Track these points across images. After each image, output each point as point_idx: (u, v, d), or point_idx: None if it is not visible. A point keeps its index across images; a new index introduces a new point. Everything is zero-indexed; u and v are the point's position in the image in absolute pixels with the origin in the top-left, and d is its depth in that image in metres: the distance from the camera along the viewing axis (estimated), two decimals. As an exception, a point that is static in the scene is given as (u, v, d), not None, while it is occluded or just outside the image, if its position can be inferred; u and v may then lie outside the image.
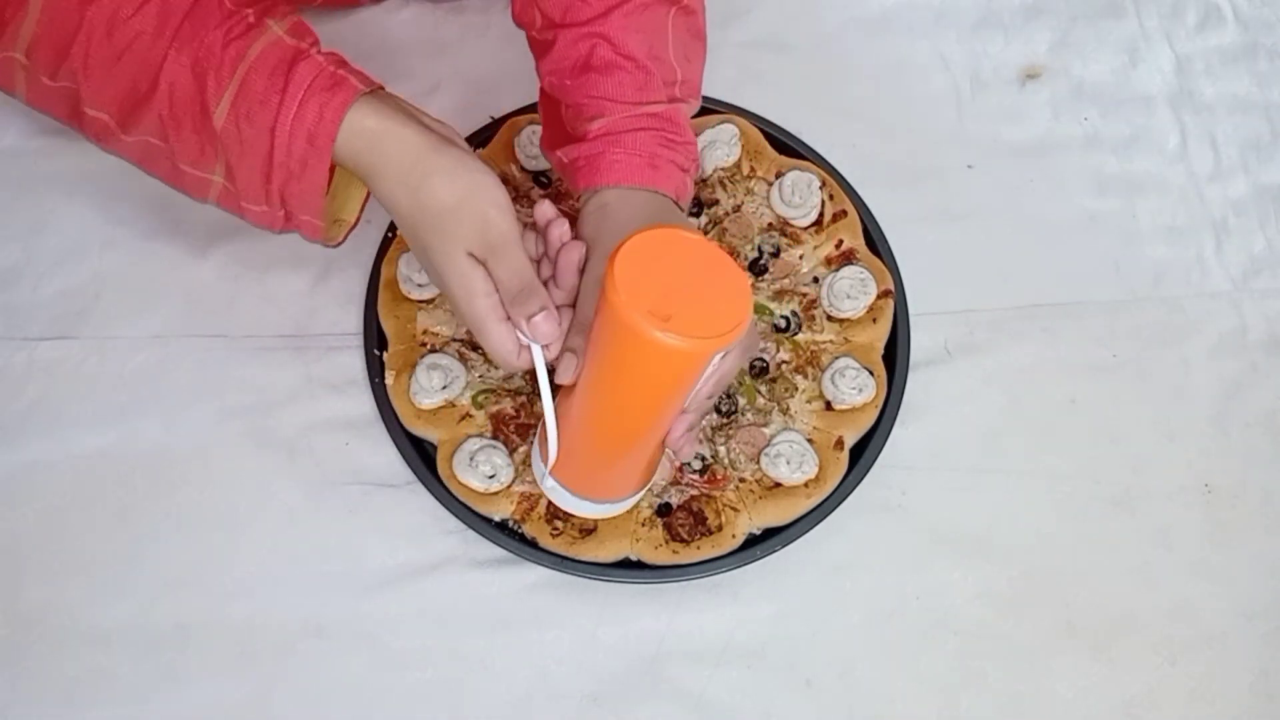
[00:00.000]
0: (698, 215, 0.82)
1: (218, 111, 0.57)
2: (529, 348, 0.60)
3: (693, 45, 0.71)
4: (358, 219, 0.70)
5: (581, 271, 0.62)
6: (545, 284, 0.62)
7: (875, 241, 0.82)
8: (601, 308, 0.53)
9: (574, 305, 0.62)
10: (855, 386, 0.75)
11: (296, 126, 0.58)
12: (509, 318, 0.60)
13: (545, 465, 0.65)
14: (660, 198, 0.66)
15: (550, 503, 0.71)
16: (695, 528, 0.72)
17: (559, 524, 0.71)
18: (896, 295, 0.80)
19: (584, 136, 0.67)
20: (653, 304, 0.51)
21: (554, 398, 0.61)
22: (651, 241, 0.53)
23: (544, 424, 0.62)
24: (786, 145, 0.85)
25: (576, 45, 0.68)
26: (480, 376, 0.76)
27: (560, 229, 0.61)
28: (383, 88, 0.61)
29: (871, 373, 0.76)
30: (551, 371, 0.61)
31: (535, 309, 0.59)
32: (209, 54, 0.57)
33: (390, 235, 0.80)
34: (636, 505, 0.72)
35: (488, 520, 0.72)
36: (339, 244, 0.69)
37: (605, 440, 0.63)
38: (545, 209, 0.62)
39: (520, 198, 0.82)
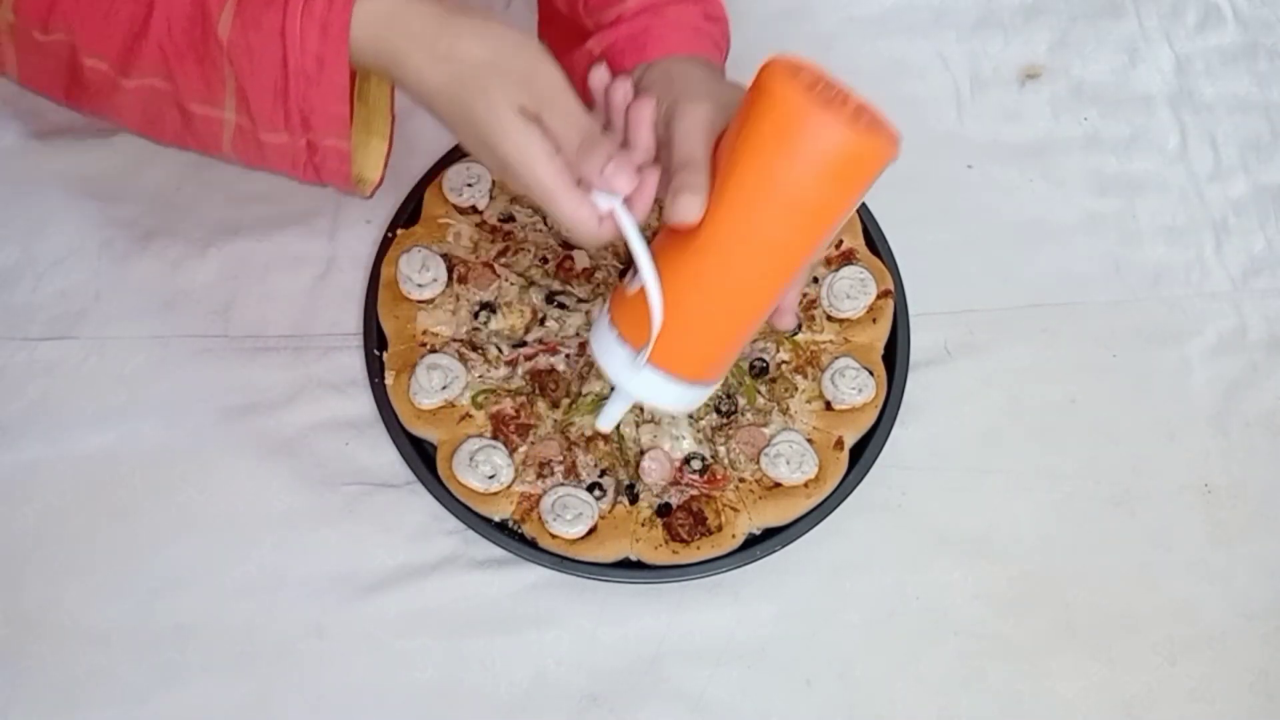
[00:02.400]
0: (698, 215, 0.82)
1: (222, 23, 0.53)
2: (610, 215, 0.53)
3: None
4: (382, 176, 0.65)
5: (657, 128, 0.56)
6: None
7: (875, 241, 0.82)
8: (754, 119, 0.47)
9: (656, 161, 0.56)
10: (855, 386, 0.75)
11: (307, 22, 0.53)
12: (579, 182, 0.53)
13: (637, 351, 0.55)
14: (716, 71, 0.61)
15: (542, 512, 0.71)
16: (695, 528, 0.72)
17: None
18: (896, 295, 0.79)
19: (618, 20, 0.62)
20: (823, 103, 0.45)
21: (652, 259, 0.53)
22: (796, 64, 0.47)
23: (615, 306, 0.55)
24: (786, 145, 0.85)
25: None
26: (480, 376, 0.76)
27: (624, 88, 0.55)
28: None
29: (871, 373, 0.76)
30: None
31: (604, 158, 0.52)
32: None
33: (390, 235, 0.80)
34: (638, 506, 0.73)
35: (488, 520, 0.72)
36: (370, 195, 0.65)
37: (733, 293, 0.54)
38: (600, 73, 0.57)
39: (521, 198, 0.82)
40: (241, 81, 0.55)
